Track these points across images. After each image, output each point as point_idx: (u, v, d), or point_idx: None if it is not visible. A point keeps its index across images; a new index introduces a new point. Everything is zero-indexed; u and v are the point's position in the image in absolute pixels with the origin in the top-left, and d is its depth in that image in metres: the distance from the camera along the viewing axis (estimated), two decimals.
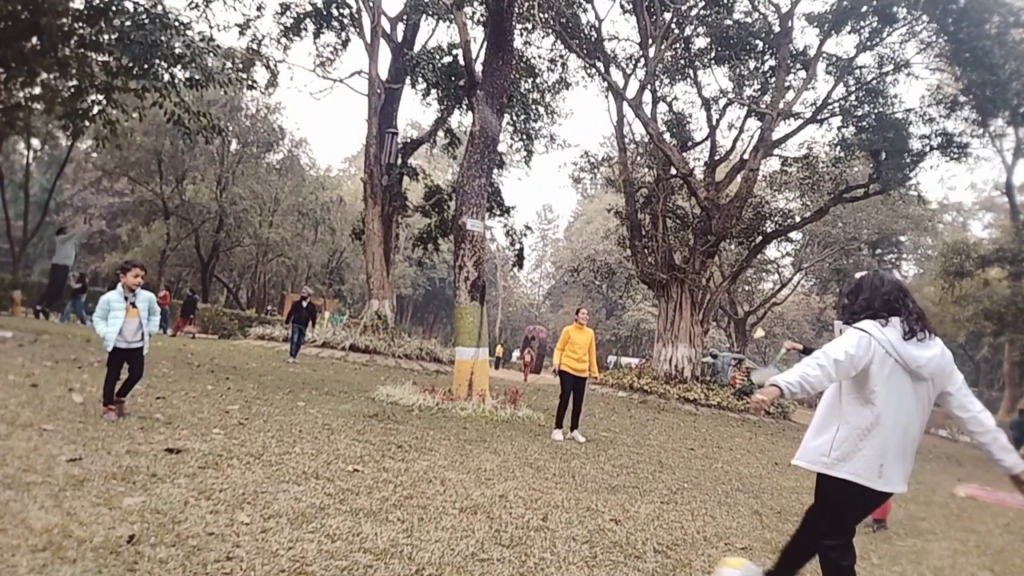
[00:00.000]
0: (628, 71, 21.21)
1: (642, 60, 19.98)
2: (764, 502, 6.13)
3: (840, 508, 2.93)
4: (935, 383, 2.84)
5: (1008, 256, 24.64)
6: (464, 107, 19.23)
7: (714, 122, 21.18)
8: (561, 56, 20.96)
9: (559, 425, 8.19)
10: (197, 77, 13.49)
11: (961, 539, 5.86)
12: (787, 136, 20.15)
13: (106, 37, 13.64)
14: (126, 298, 5.54)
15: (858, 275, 3.17)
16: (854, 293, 3.06)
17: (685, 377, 18.11)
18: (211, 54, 14.01)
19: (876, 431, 2.78)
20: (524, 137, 20.77)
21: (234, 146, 37.22)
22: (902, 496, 7.66)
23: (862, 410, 2.82)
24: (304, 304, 14.83)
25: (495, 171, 19.46)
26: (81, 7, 13.69)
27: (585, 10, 19.50)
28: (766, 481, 7.50)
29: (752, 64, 19.97)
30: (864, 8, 17.75)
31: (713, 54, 19.80)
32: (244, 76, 17.72)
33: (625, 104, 19.70)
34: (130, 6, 13.30)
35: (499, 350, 38.51)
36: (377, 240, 19.26)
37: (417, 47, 20.26)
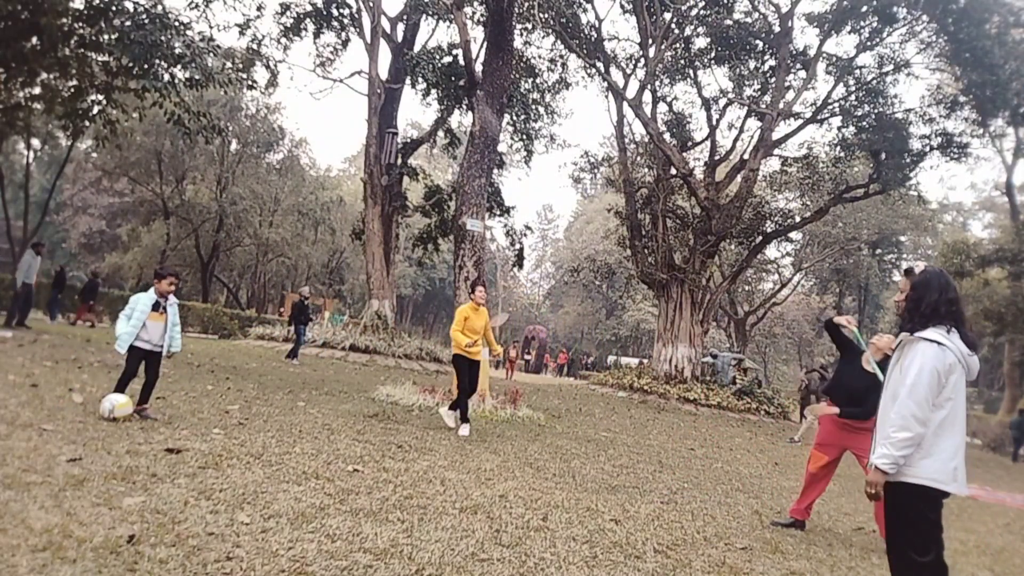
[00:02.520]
0: (628, 71, 21.22)
1: (642, 60, 19.98)
2: (764, 502, 6.13)
3: (914, 516, 2.80)
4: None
5: (1008, 256, 24.63)
6: (464, 107, 19.23)
7: (714, 122, 21.18)
8: (561, 56, 20.96)
9: (458, 412, 7.48)
10: (197, 77, 13.49)
11: (961, 539, 5.85)
12: (787, 136, 20.15)
13: (106, 37, 13.63)
14: (157, 303, 5.69)
15: (920, 268, 2.95)
16: (921, 289, 2.86)
17: (685, 377, 18.11)
18: (211, 54, 14.00)
19: (947, 434, 2.73)
20: (524, 137, 20.78)
21: (234, 146, 37.21)
22: None
23: (933, 416, 2.74)
24: (305, 304, 14.94)
25: (495, 171, 19.46)
26: (81, 7, 13.69)
27: (585, 10, 19.52)
28: (766, 481, 7.50)
29: (752, 64, 19.96)
30: (864, 8, 17.75)
31: (713, 54, 19.80)
32: (244, 76, 17.73)
33: (625, 104, 19.70)
34: (130, 6, 13.29)
35: (499, 350, 38.53)
36: (377, 240, 19.27)
37: (417, 47, 20.27)
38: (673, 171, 19.52)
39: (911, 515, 2.80)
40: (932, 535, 2.81)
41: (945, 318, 2.78)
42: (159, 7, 13.13)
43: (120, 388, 5.56)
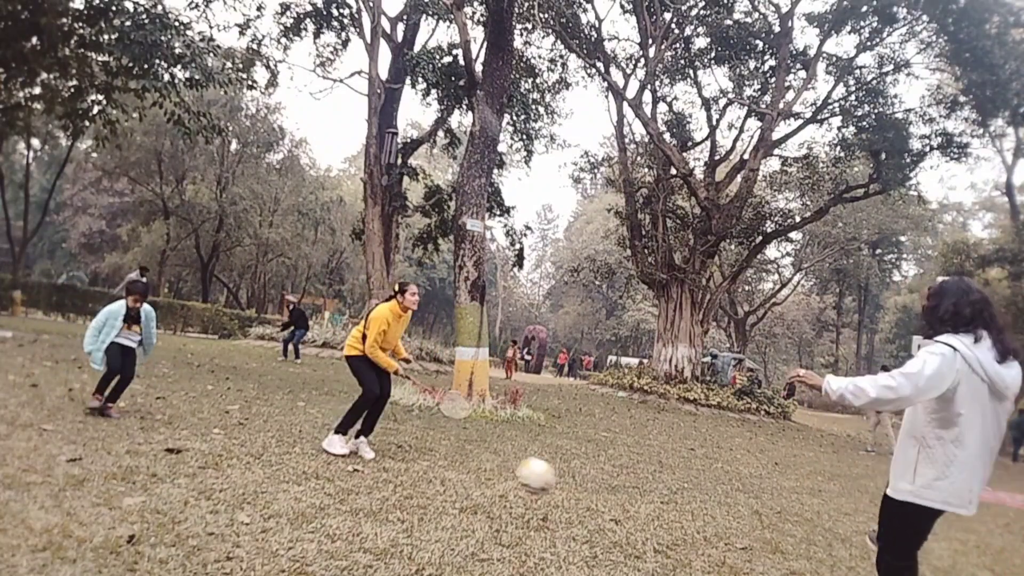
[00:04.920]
0: (628, 71, 21.22)
1: (642, 60, 19.98)
2: (764, 502, 6.12)
3: (910, 530, 2.79)
4: (1010, 401, 2.68)
5: (1008, 256, 24.63)
6: (464, 107, 19.22)
7: (714, 122, 21.18)
8: (561, 56, 20.96)
9: (344, 431, 5.50)
10: (197, 77, 13.50)
11: (961, 539, 5.85)
12: (787, 136, 20.14)
13: (106, 37, 13.65)
14: (128, 315, 5.72)
15: (940, 279, 2.90)
16: (937, 297, 2.78)
17: (685, 377, 18.10)
18: (211, 54, 14.02)
19: (962, 455, 2.62)
20: (524, 137, 20.76)
21: (234, 146, 37.22)
22: None
23: (945, 433, 2.65)
24: (296, 308, 15.24)
25: (495, 171, 19.44)
26: (81, 7, 13.70)
27: (585, 10, 19.51)
28: (766, 481, 7.49)
29: (752, 64, 19.96)
30: (864, 8, 17.73)
31: (713, 54, 19.79)
32: (244, 76, 17.73)
33: (625, 104, 19.70)
34: (130, 6, 13.31)
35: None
36: (377, 240, 19.26)
37: (417, 47, 20.25)
38: (673, 171, 19.51)
39: (908, 530, 2.81)
40: (916, 543, 2.83)
41: (972, 321, 2.66)
42: (159, 7, 13.14)
43: (102, 384, 5.59)
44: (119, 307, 5.71)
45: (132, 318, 5.72)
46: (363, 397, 5.49)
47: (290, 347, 15.02)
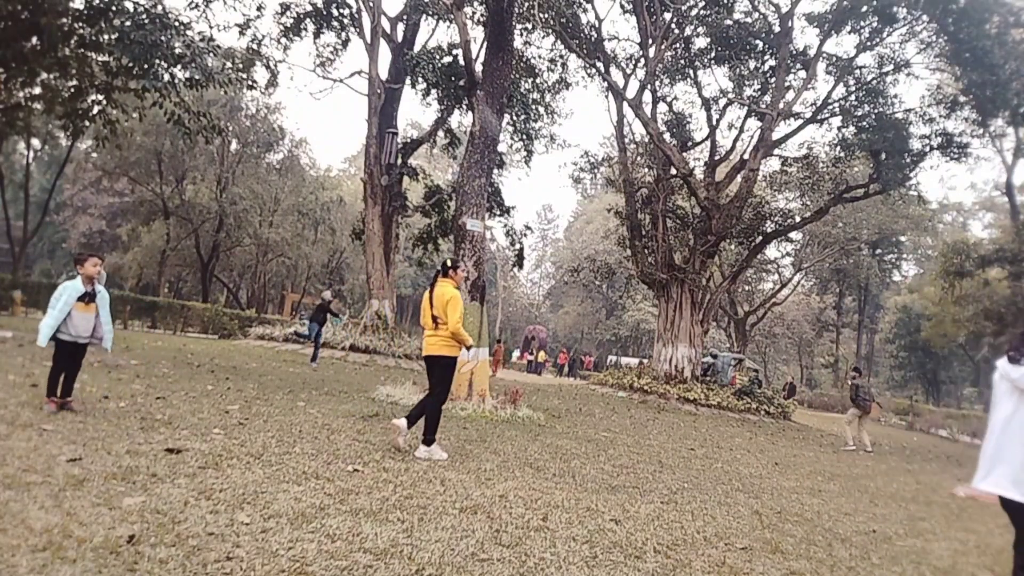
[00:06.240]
0: (628, 71, 21.23)
1: (642, 60, 19.99)
2: (764, 502, 6.12)
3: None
4: None
5: (1008, 256, 24.62)
6: (464, 107, 19.24)
7: (714, 122, 21.19)
8: (561, 56, 20.97)
9: (433, 438, 5.75)
10: (197, 77, 13.52)
11: (961, 539, 5.85)
12: (787, 136, 20.15)
13: (106, 37, 13.66)
14: (85, 292, 5.38)
15: None
16: None
17: (685, 377, 18.10)
18: (211, 54, 14.03)
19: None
20: (524, 137, 20.77)
21: (234, 146, 37.24)
22: (902, 496, 7.66)
23: None
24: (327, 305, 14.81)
25: (495, 171, 19.45)
26: (81, 7, 13.71)
27: (585, 10, 19.52)
28: (766, 481, 7.49)
29: (752, 64, 19.97)
30: (864, 8, 17.74)
31: (713, 54, 19.81)
32: (244, 76, 17.75)
33: (625, 104, 19.70)
34: (130, 6, 13.32)
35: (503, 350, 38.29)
36: (377, 240, 19.28)
37: (417, 47, 20.28)
38: (673, 171, 19.52)
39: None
40: None
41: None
42: (159, 7, 13.15)
43: (51, 383, 5.37)
44: (76, 283, 5.38)
45: (90, 295, 5.39)
46: (441, 400, 5.80)
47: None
